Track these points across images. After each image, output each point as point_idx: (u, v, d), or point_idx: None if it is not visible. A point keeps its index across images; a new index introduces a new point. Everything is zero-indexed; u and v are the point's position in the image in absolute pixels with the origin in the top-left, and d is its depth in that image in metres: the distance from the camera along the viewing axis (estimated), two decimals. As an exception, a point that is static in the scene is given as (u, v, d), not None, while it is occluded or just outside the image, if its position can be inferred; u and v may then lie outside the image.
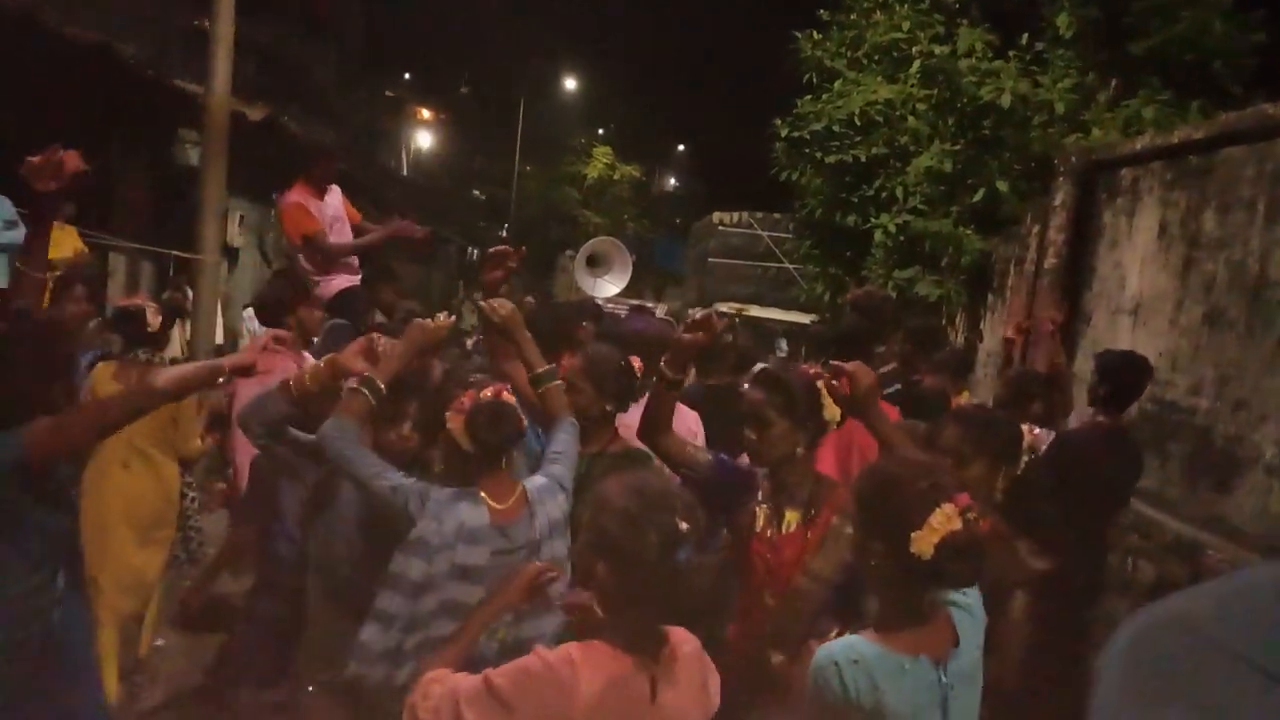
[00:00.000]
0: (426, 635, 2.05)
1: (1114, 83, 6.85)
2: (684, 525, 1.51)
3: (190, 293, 6.41)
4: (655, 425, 2.41)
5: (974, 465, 2.37)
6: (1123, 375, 4.00)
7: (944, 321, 7.91)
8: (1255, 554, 4.16)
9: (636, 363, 2.76)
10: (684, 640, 1.65)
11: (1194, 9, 6.32)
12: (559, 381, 2.51)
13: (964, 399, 5.37)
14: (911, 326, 4.68)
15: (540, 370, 2.50)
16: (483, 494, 2.14)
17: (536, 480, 2.26)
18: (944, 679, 1.65)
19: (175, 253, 6.66)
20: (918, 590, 1.68)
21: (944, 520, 1.59)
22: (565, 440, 2.41)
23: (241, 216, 9.60)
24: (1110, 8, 6.70)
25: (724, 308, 11.20)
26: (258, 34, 16.83)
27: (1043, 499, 3.79)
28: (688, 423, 3.25)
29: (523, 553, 2.13)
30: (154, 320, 3.68)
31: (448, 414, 2.12)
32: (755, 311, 10.54)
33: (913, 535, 1.59)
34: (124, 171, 7.40)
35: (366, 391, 2.20)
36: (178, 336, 6.41)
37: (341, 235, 5.15)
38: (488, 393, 2.14)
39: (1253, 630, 0.98)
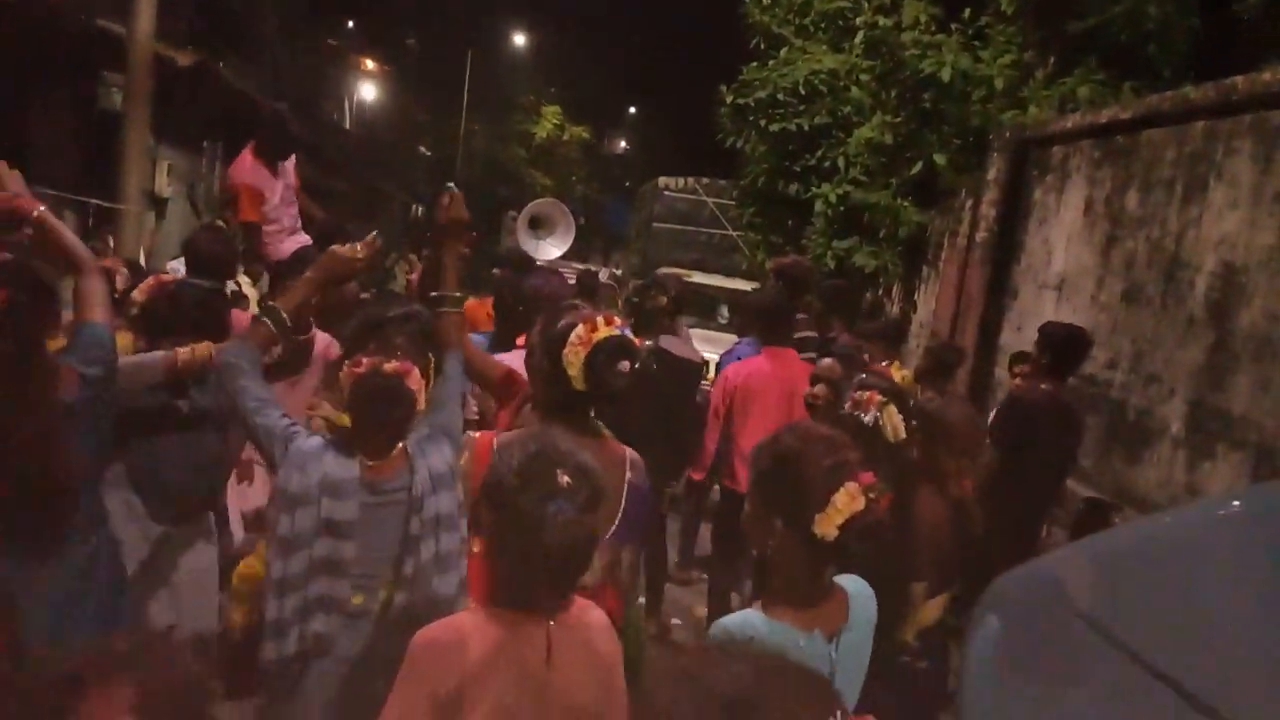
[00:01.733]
0: (303, 598, 1.90)
1: (1051, 60, 6.96)
2: (565, 480, 1.50)
3: (112, 243, 6.20)
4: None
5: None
6: (1065, 347, 4.09)
7: (880, 292, 8.04)
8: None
9: None
10: (588, 609, 1.64)
11: (1132, -9, 6.43)
12: (460, 311, 2.38)
13: (895, 369, 5.49)
14: (823, 286, 4.74)
15: (445, 292, 2.35)
16: (356, 444, 2.00)
17: (419, 432, 2.10)
18: (834, 655, 1.63)
19: (96, 201, 6.42)
20: (818, 568, 1.64)
21: (848, 500, 1.55)
22: (449, 381, 2.26)
23: (170, 166, 9.27)
24: (1051, -14, 6.79)
25: (666, 272, 11.19)
26: (193, -26, 16.16)
27: (999, 458, 3.90)
28: None
29: (399, 507, 1.99)
30: (121, 285, 3.77)
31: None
32: (698, 278, 10.54)
33: (816, 517, 1.55)
34: (43, 115, 7.08)
35: (269, 320, 2.12)
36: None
37: (291, 207, 5.09)
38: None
39: (1102, 592, 1.04)
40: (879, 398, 2.41)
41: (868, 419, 2.37)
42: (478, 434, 2.16)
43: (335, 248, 2.28)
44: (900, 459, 2.43)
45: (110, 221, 6.59)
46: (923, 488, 2.46)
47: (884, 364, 5.55)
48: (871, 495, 1.59)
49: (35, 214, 2.07)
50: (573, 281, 8.48)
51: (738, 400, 3.98)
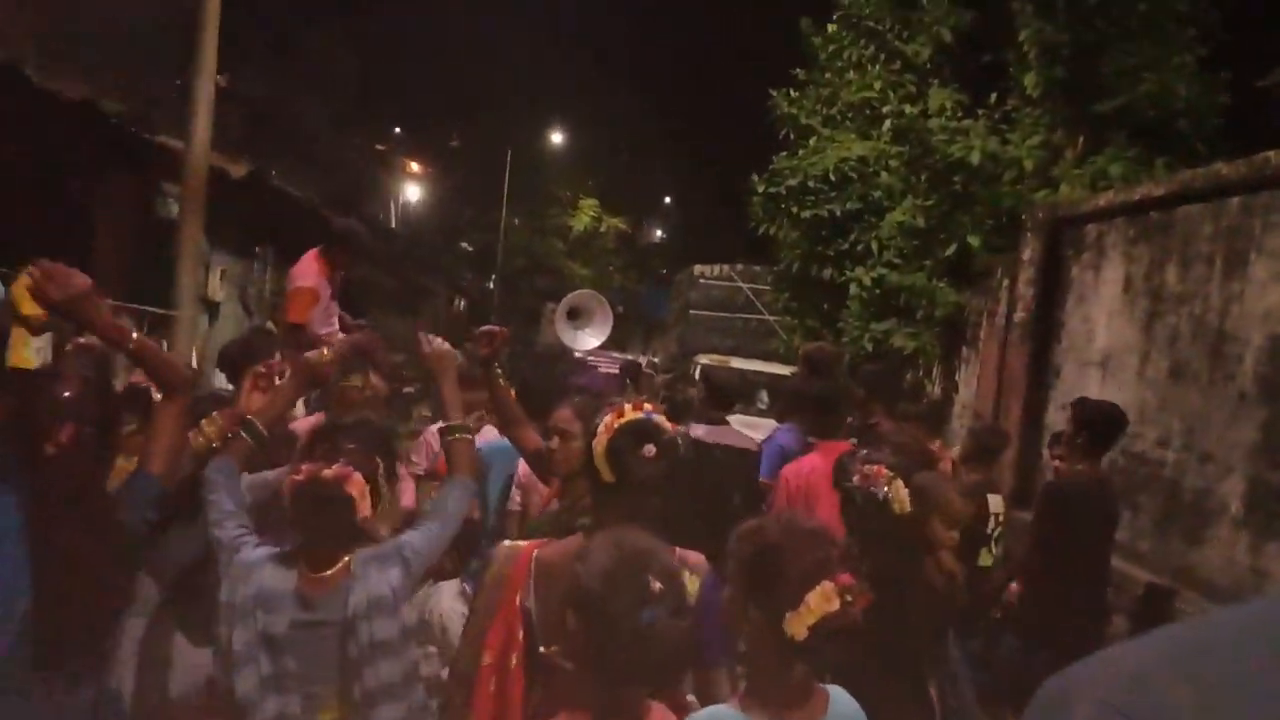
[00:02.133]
0: (263, 718, 1.86)
1: (1081, 140, 7.00)
2: (657, 586, 1.48)
3: (166, 346, 6.41)
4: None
5: None
6: (1100, 424, 4.01)
7: (920, 374, 7.97)
8: (1223, 605, 4.16)
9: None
10: (658, 711, 1.61)
11: (1158, 71, 6.49)
12: (470, 437, 2.38)
13: (938, 449, 5.40)
14: (865, 371, 4.68)
15: (453, 421, 2.34)
16: (299, 557, 1.96)
17: (370, 550, 2.03)
18: None
19: (149, 308, 6.68)
20: (789, 664, 1.60)
21: (821, 601, 1.53)
22: (444, 504, 2.20)
23: (223, 271, 9.64)
24: (1076, 68, 6.88)
25: (705, 359, 11.24)
26: (249, 87, 17.11)
27: (1043, 545, 3.85)
28: None
29: (332, 629, 1.91)
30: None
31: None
32: (736, 363, 10.56)
33: (788, 614, 1.53)
34: (104, 226, 7.45)
35: (247, 435, 2.17)
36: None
37: (332, 318, 5.31)
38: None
39: (1140, 700, 0.99)
40: (887, 472, 2.40)
41: (879, 493, 2.35)
42: (522, 544, 2.09)
43: (306, 355, 2.35)
44: (906, 531, 2.41)
45: (165, 326, 6.82)
46: (925, 559, 2.47)
47: (932, 446, 5.48)
48: (848, 597, 1.55)
49: (132, 343, 2.08)
50: (617, 371, 8.54)
51: (799, 503, 3.90)
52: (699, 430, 4.33)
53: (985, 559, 4.47)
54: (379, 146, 29.67)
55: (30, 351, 2.15)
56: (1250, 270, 4.37)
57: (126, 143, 7.27)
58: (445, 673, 2.17)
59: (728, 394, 4.95)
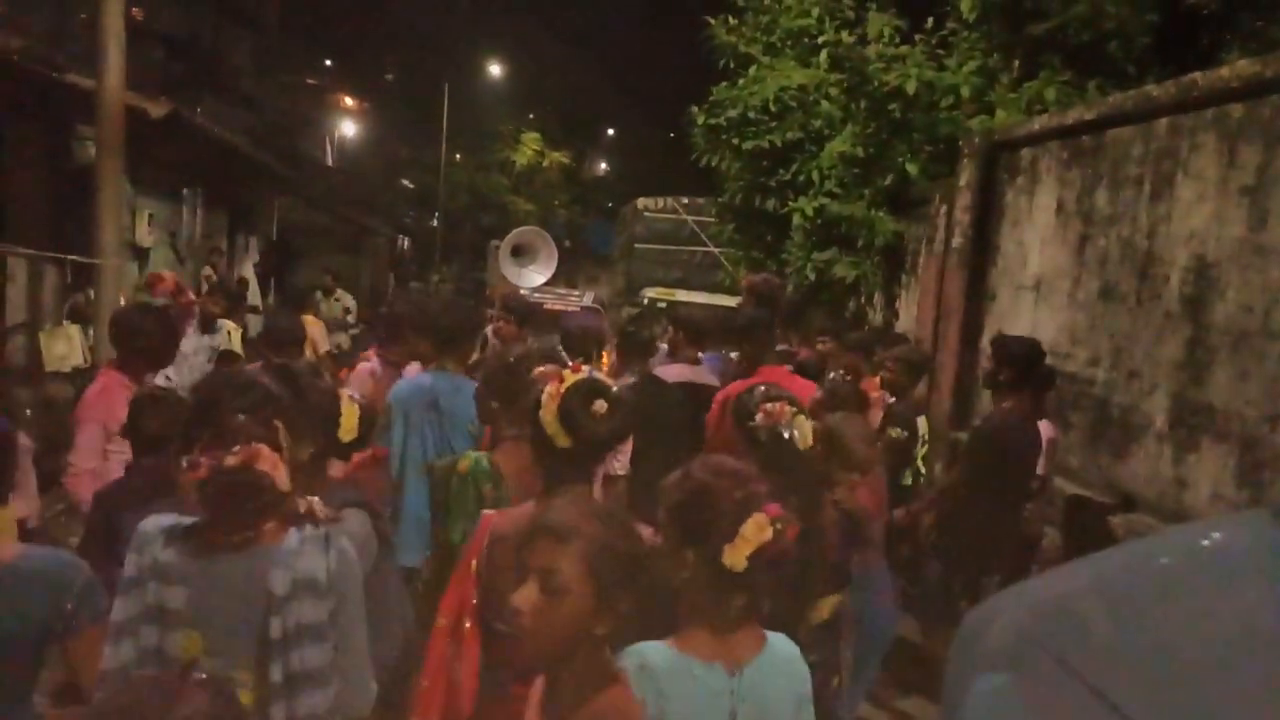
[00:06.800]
0: None
1: (1016, 64, 7.02)
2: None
3: (93, 295, 6.20)
4: None
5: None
6: (1016, 359, 4.19)
7: (861, 301, 8.08)
8: (1149, 517, 4.37)
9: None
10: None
11: (1091, -9, 6.49)
12: None
13: (868, 384, 5.53)
14: (784, 302, 4.62)
15: None
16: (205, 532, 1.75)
17: (308, 531, 1.80)
18: (736, 689, 1.61)
19: (72, 257, 6.43)
20: (728, 598, 1.65)
21: (756, 531, 1.59)
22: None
23: (151, 215, 9.30)
24: (1011, -9, 6.86)
25: (651, 293, 11.24)
26: (168, 22, 16.27)
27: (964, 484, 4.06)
28: None
29: (252, 608, 1.72)
30: None
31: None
32: (682, 296, 10.60)
33: (725, 547, 1.59)
34: (17, 173, 7.10)
35: None
36: (81, 343, 6.20)
37: None
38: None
39: (1082, 640, 1.01)
40: (789, 409, 2.46)
41: (785, 431, 2.41)
42: (484, 512, 2.09)
43: None
44: (808, 467, 2.49)
45: (90, 276, 6.58)
46: (824, 497, 2.61)
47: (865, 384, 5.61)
48: (779, 526, 1.62)
49: None
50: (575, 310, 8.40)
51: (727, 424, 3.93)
52: (672, 370, 4.26)
53: (907, 478, 4.74)
54: (310, 81, 28.59)
55: None
56: (1177, 191, 4.47)
57: (34, 82, 6.89)
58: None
59: (699, 331, 4.88)
